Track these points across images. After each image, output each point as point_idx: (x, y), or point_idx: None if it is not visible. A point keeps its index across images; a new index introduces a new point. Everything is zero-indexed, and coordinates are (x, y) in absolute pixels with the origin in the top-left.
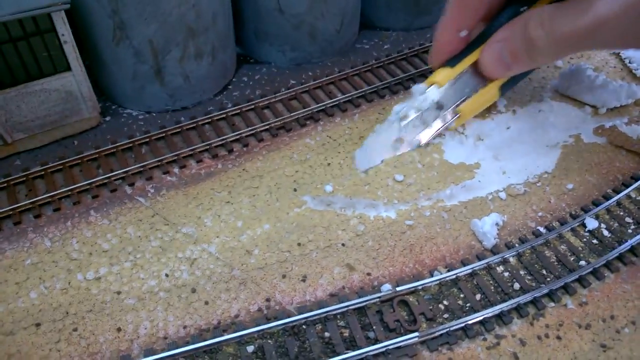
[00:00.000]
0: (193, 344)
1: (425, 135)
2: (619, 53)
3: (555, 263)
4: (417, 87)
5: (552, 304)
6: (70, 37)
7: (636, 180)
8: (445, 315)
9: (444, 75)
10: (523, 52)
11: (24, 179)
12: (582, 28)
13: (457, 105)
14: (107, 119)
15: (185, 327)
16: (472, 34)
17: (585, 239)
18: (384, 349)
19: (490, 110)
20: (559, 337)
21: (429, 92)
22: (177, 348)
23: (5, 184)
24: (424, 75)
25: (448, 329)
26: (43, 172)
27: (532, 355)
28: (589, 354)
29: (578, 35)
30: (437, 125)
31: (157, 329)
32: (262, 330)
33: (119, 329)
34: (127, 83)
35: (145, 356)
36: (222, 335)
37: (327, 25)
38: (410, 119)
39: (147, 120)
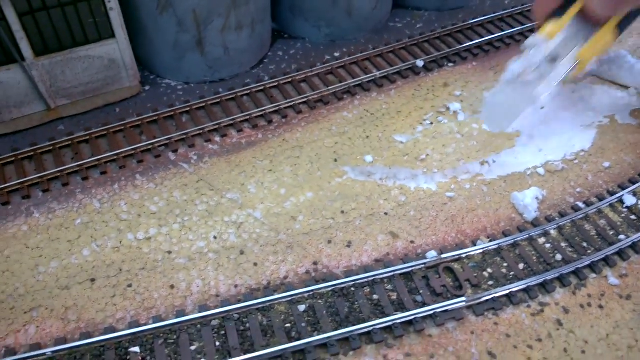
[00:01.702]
0: (246, 301)
1: (544, 89)
2: None
3: (595, 236)
4: (527, 42)
5: (594, 275)
6: (116, 4)
7: None
8: (490, 283)
9: (552, 27)
10: None
11: (69, 143)
12: None
13: (574, 53)
14: (147, 88)
15: (236, 286)
16: None
17: (623, 215)
18: (432, 312)
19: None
20: (600, 307)
21: (540, 46)
22: (230, 305)
23: (51, 147)
24: (458, 55)
25: (493, 295)
26: (88, 137)
27: (575, 322)
28: (630, 323)
29: None
30: (556, 76)
31: (209, 287)
32: (312, 291)
33: (172, 286)
34: (168, 53)
35: (200, 311)
36: (273, 295)
37: (363, 3)
38: (526, 74)
39: (185, 90)
